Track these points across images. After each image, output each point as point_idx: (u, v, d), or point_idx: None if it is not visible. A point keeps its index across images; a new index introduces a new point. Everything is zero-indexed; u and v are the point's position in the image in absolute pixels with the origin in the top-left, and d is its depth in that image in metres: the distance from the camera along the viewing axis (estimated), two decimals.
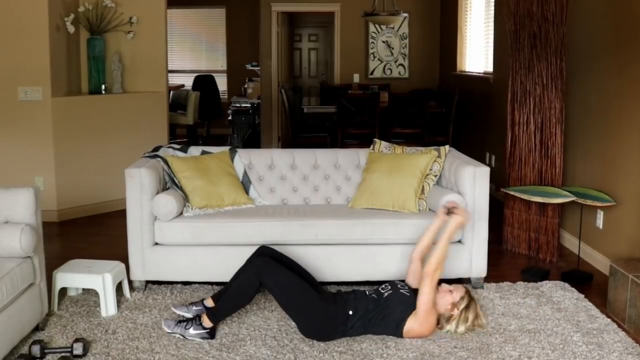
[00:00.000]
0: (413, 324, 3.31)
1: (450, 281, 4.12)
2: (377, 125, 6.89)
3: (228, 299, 3.35)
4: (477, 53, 7.81)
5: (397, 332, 3.34)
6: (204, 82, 11.08)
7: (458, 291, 3.41)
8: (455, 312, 3.37)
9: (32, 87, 5.49)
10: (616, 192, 4.26)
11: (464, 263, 4.04)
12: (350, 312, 3.31)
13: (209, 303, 3.56)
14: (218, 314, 3.35)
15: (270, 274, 3.25)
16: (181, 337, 3.32)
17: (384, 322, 3.33)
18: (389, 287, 3.48)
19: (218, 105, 11.18)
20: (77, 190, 5.77)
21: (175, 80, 11.26)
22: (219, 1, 11.85)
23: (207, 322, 3.33)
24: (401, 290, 3.43)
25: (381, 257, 3.98)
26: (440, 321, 3.40)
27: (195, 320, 3.35)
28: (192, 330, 3.32)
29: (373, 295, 3.43)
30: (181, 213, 4.02)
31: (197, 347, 3.26)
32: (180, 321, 3.37)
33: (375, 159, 4.38)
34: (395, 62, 9.46)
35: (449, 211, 3.56)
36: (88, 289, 3.90)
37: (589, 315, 3.69)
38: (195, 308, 3.57)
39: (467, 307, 3.38)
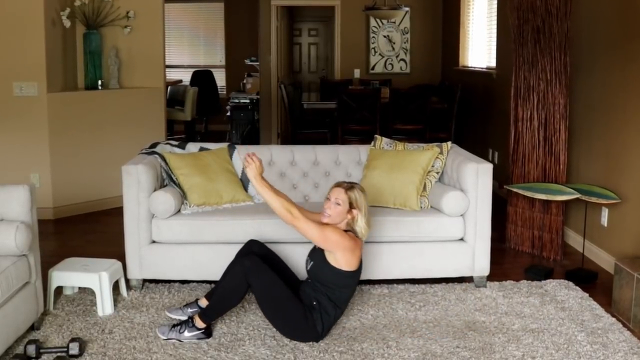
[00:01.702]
0: (335, 257, 3.23)
1: (451, 280, 4.10)
2: (378, 122, 6.84)
3: (218, 300, 3.30)
4: (479, 48, 7.75)
5: (340, 274, 3.24)
6: (202, 77, 11.03)
7: (339, 196, 3.26)
8: (355, 212, 3.28)
9: (27, 83, 5.43)
10: (621, 189, 4.21)
11: (466, 261, 3.99)
12: (314, 303, 3.25)
13: (203, 303, 3.51)
14: (210, 314, 3.31)
15: (257, 277, 3.18)
16: (178, 342, 3.27)
17: (329, 283, 3.25)
18: (308, 258, 3.41)
19: (216, 101, 11.13)
20: (73, 188, 5.72)
21: (172, 75, 11.18)
22: None
23: (199, 323, 3.29)
24: (316, 249, 3.36)
25: (382, 255, 3.93)
26: (354, 231, 3.31)
27: (189, 322, 3.30)
28: (187, 333, 3.28)
29: (307, 279, 3.39)
30: (179, 210, 3.97)
31: (195, 347, 3.22)
32: (174, 325, 3.32)
33: (376, 156, 4.32)
34: (397, 57, 9.40)
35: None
36: (84, 288, 3.86)
37: (593, 314, 3.65)
38: (191, 310, 3.52)
39: (356, 199, 3.28)
